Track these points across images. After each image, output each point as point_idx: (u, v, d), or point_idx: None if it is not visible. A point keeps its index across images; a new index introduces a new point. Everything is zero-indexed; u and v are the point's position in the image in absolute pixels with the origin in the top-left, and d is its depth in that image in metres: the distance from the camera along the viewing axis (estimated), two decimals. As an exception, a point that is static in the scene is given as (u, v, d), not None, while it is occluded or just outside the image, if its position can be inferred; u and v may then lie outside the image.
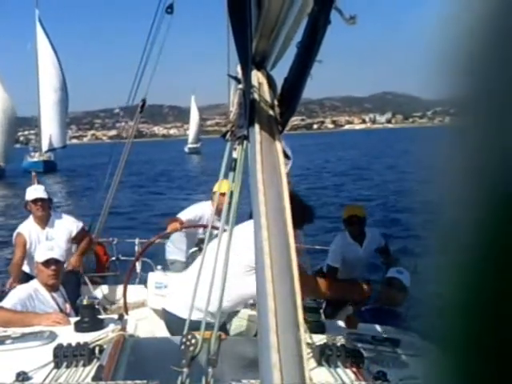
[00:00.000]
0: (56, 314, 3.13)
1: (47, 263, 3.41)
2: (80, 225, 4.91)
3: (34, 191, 4.66)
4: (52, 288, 3.45)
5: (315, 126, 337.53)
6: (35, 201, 4.57)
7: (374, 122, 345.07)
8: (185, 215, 4.81)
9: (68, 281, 4.40)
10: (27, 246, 4.51)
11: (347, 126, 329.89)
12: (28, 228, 4.62)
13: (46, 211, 4.63)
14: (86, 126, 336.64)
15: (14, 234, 4.69)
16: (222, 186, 3.60)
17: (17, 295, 3.31)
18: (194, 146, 73.13)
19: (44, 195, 4.61)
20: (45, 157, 36.61)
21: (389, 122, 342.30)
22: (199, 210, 4.88)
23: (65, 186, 29.72)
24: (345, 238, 4.88)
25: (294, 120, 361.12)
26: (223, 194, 4.19)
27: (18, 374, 2.07)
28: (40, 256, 3.48)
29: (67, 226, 4.76)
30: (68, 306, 3.51)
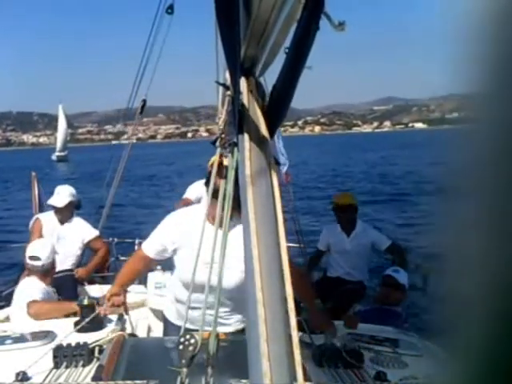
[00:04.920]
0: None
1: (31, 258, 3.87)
2: (95, 233, 4.94)
3: (53, 198, 4.73)
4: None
5: (189, 135, 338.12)
6: (54, 208, 4.70)
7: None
8: (191, 194, 4.89)
9: (64, 282, 4.40)
10: (43, 232, 4.60)
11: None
12: (47, 218, 4.73)
13: (64, 216, 4.70)
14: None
15: (32, 220, 4.79)
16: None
17: (35, 287, 3.49)
18: (61, 153, 74.07)
19: (61, 204, 4.65)
20: None
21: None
22: (199, 189, 4.89)
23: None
24: (333, 227, 4.91)
25: (169, 128, 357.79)
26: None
27: (18, 374, 2.06)
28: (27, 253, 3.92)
29: (81, 231, 4.80)
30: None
